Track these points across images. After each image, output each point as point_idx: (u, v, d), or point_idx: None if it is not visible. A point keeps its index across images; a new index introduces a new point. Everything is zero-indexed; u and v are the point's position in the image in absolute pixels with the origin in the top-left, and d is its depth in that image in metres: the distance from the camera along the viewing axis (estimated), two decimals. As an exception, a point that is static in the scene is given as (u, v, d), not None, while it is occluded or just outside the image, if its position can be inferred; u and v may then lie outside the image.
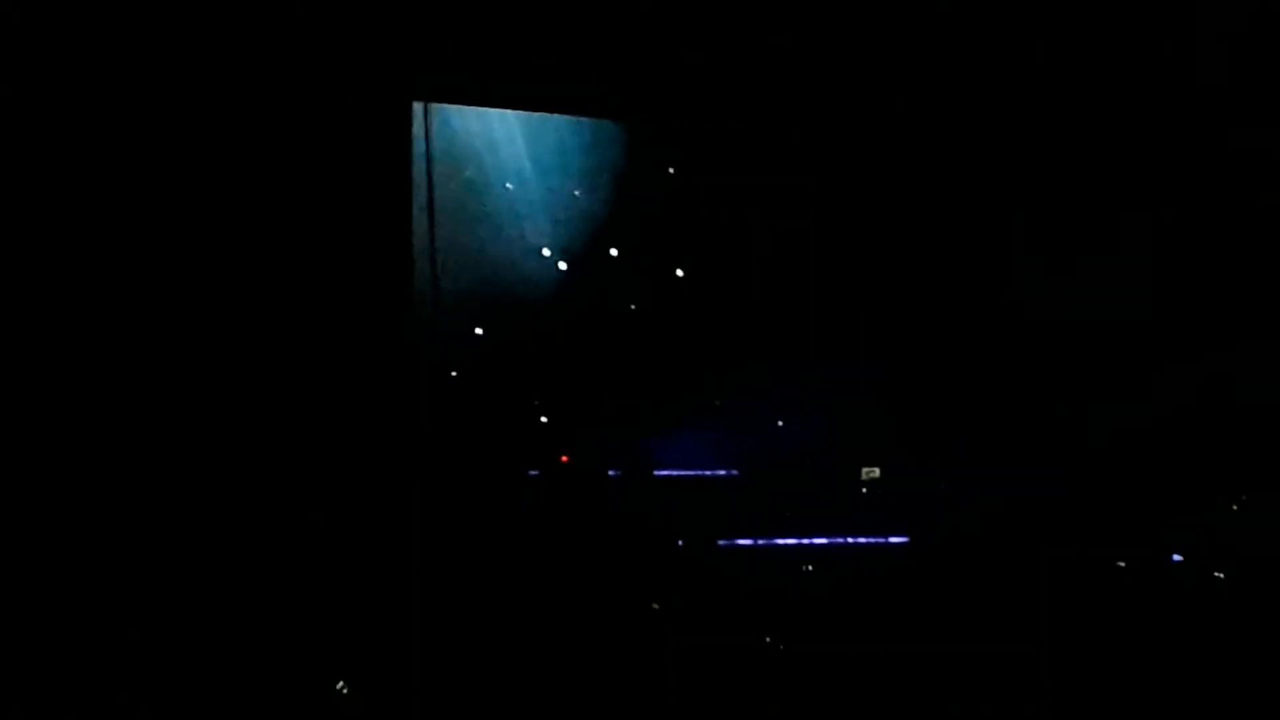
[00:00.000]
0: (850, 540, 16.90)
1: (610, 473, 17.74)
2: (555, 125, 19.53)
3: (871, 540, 16.76)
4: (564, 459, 17.95)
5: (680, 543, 15.34)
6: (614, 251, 20.12)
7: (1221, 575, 11.60)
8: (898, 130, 19.48)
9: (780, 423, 20.38)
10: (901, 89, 19.24)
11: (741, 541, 16.44)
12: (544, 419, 19.14)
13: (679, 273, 20.16)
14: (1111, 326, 19.43)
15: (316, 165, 16.33)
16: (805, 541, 16.71)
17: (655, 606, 10.12)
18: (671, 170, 20.40)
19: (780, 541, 16.67)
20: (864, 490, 18.88)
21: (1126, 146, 18.98)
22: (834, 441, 19.16)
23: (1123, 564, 12.81)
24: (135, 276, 15.53)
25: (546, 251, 19.48)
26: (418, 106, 18.18)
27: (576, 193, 19.25)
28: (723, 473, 19.20)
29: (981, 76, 18.99)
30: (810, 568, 13.21)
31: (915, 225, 19.65)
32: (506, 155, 18.99)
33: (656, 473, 17.95)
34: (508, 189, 19.20)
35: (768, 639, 8.42)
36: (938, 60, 18.79)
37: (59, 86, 15.07)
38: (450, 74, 17.79)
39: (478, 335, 19.25)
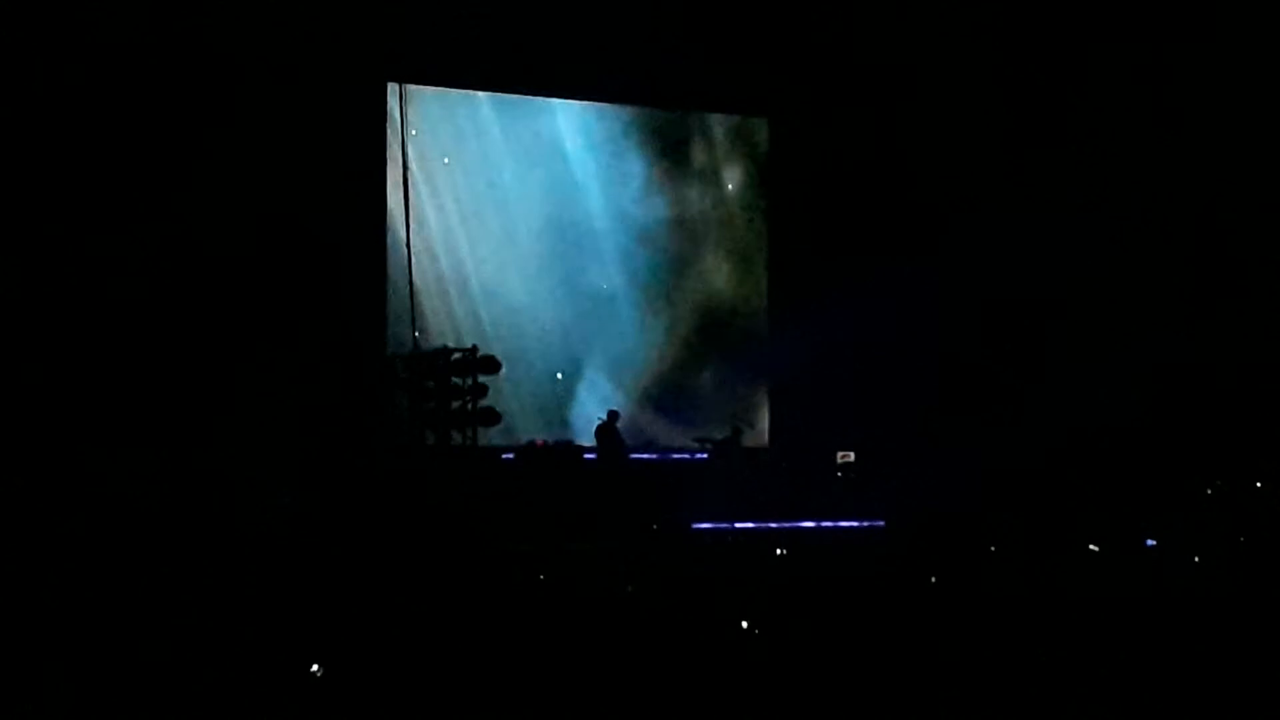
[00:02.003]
0: (825, 524, 16.94)
1: (586, 456, 17.75)
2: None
3: (847, 524, 16.81)
4: (539, 442, 17.94)
5: (655, 526, 15.32)
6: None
7: (1196, 559, 11.67)
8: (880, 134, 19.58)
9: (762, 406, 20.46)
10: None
11: (715, 525, 16.46)
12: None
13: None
14: (1089, 315, 19.53)
15: (293, 147, 16.25)
16: (779, 525, 16.73)
17: (629, 589, 10.11)
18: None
19: (754, 525, 16.69)
20: (839, 474, 18.96)
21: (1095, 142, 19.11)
22: (810, 425, 19.22)
23: (1095, 548, 12.83)
24: (114, 264, 15.47)
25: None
26: (392, 87, 18.16)
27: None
28: (694, 456, 19.25)
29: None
30: (784, 551, 13.19)
31: (897, 220, 19.76)
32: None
33: (632, 456, 17.97)
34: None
35: (743, 623, 8.42)
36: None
37: (40, 76, 14.98)
38: (425, 56, 17.74)
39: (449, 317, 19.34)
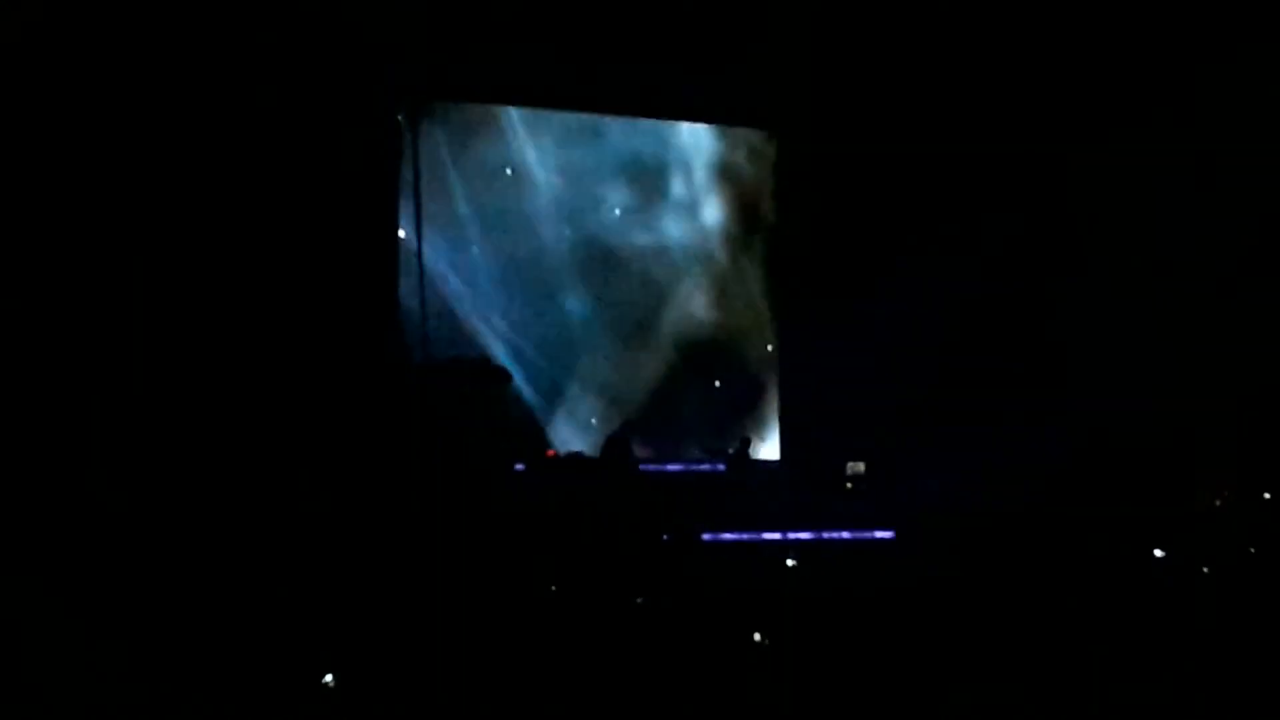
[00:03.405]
0: (835, 535, 16.94)
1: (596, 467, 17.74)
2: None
3: (857, 535, 16.80)
4: (550, 453, 17.95)
5: (665, 537, 15.35)
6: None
7: (1205, 570, 11.68)
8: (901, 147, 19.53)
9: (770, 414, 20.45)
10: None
11: (726, 536, 16.47)
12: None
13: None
14: (1097, 326, 19.52)
15: (304, 166, 16.31)
16: (790, 536, 16.73)
17: (639, 601, 10.13)
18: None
19: (765, 536, 16.69)
20: (849, 485, 18.92)
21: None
22: (820, 436, 19.20)
23: (1106, 559, 12.84)
24: (128, 275, 15.51)
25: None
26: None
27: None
28: (707, 467, 19.22)
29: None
30: (794, 562, 13.22)
31: (907, 230, 19.75)
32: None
33: (642, 466, 17.96)
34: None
35: (755, 634, 8.46)
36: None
37: (56, 86, 15.03)
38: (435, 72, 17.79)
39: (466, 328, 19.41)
